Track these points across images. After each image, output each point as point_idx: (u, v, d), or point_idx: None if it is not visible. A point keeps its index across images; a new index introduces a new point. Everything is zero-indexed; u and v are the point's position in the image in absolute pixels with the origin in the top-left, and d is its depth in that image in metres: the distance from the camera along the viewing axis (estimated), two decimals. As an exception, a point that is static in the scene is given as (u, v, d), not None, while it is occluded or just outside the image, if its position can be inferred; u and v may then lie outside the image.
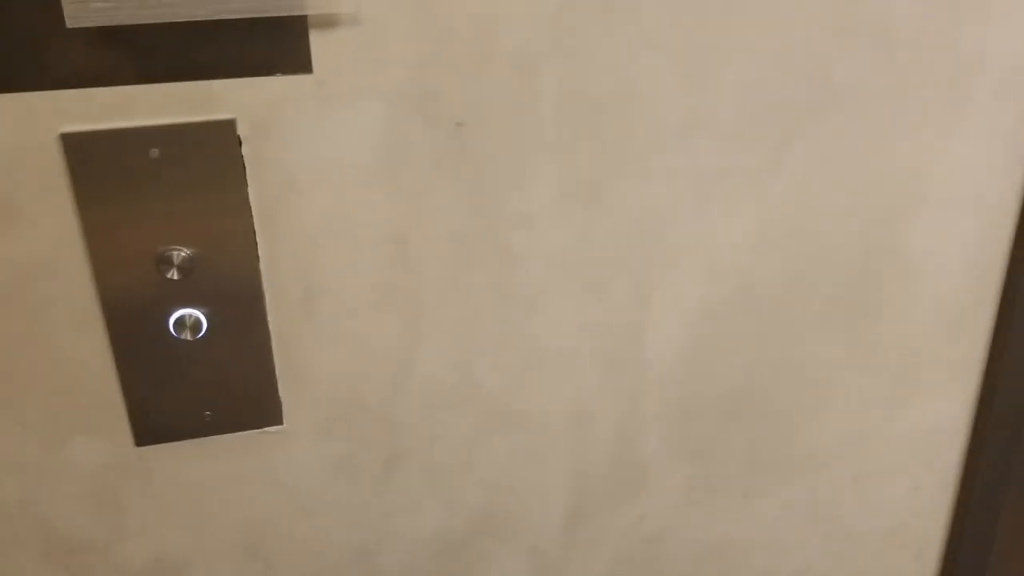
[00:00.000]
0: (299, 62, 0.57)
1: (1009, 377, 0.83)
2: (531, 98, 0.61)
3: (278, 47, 0.56)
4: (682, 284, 0.71)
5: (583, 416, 0.75)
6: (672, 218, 0.68)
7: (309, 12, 0.54)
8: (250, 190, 0.60)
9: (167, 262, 0.60)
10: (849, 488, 0.86)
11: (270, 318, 0.64)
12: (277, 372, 0.66)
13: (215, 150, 0.58)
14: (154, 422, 0.66)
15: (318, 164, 0.60)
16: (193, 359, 0.64)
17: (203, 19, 0.53)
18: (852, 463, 0.84)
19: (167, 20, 0.52)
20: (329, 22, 0.56)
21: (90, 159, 0.56)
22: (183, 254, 0.60)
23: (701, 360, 0.75)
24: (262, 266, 0.62)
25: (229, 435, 0.68)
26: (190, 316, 0.62)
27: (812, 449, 0.82)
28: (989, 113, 0.70)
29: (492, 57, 0.59)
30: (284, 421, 0.68)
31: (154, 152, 0.57)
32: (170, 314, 0.62)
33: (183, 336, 0.63)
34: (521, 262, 0.66)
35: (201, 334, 0.63)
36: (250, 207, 0.60)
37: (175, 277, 0.60)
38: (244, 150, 0.58)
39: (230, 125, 0.58)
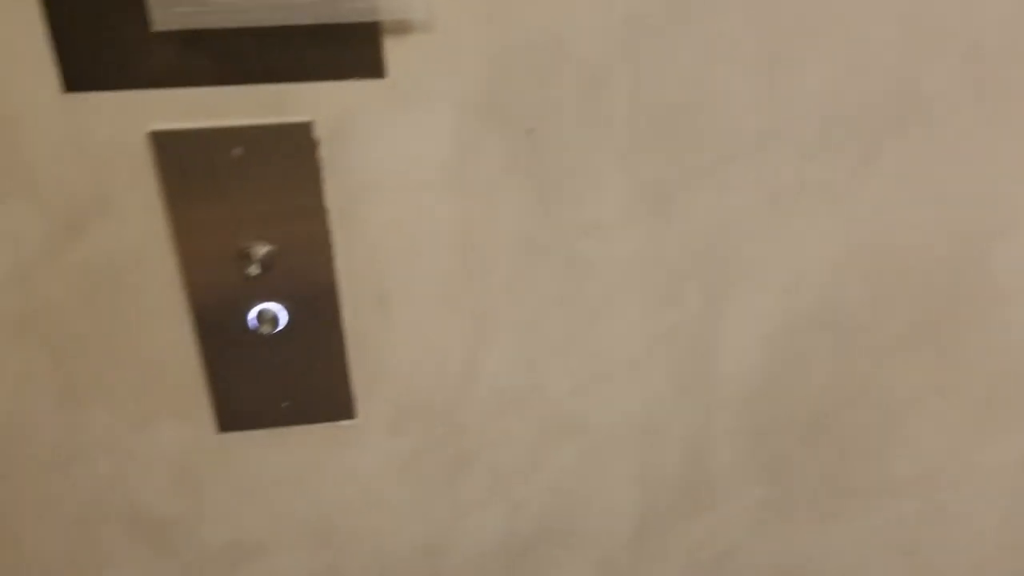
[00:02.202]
0: (372, 67, 0.58)
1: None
2: (601, 106, 0.61)
3: (352, 52, 0.58)
4: (758, 299, 0.69)
5: (652, 427, 0.74)
6: (748, 230, 0.66)
7: (381, 19, 0.56)
8: (327, 191, 0.62)
9: (248, 258, 0.63)
10: (932, 519, 0.82)
11: (345, 315, 0.66)
12: (351, 368, 0.68)
13: (294, 151, 0.60)
14: (235, 410, 0.69)
15: (390, 167, 0.61)
16: (272, 352, 0.67)
17: (279, 25, 0.56)
18: (936, 493, 0.80)
19: (245, 25, 0.55)
20: (402, 28, 0.57)
21: (177, 157, 0.60)
22: (263, 250, 0.63)
23: (777, 378, 0.73)
24: (337, 265, 0.64)
25: (304, 426, 0.70)
26: (269, 311, 0.65)
27: (893, 476, 0.79)
28: (1098, 128, 0.66)
29: (562, 65, 0.59)
30: (356, 416, 0.70)
31: (237, 151, 0.60)
32: (250, 308, 0.65)
33: (262, 330, 0.65)
34: (590, 269, 0.66)
35: (279, 328, 0.66)
36: (326, 207, 0.62)
37: (255, 272, 0.63)
38: (321, 152, 0.61)
39: (307, 127, 0.60)
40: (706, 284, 0.68)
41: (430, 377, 0.69)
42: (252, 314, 0.65)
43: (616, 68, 0.60)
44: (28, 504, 0.70)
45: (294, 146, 0.60)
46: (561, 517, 0.77)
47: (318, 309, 0.66)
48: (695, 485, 0.77)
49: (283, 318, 0.65)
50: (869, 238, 0.68)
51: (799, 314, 0.70)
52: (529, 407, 0.71)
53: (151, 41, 0.56)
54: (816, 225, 0.67)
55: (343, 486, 0.73)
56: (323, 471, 0.73)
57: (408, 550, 0.77)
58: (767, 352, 0.71)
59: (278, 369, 0.68)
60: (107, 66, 0.57)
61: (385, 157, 0.61)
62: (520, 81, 0.60)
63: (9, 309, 0.63)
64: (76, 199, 0.60)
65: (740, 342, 0.71)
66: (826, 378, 0.74)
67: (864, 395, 0.75)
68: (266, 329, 0.65)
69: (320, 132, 0.60)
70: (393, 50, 0.58)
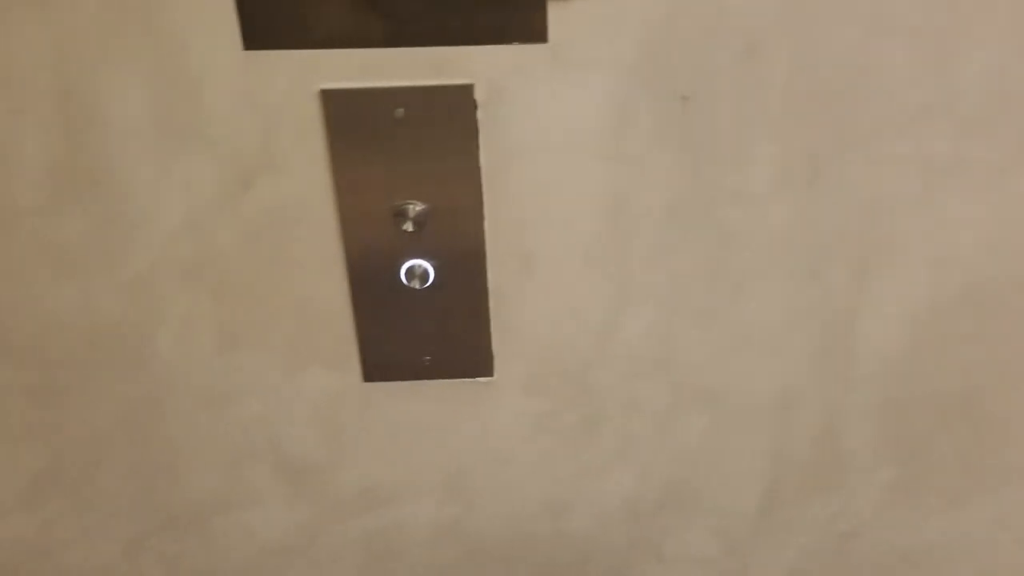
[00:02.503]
0: (535, 31, 0.60)
1: None
2: (758, 74, 0.61)
3: (517, 16, 0.59)
4: (903, 276, 0.69)
5: (787, 402, 0.74)
6: (898, 207, 0.66)
7: (549, -16, 0.57)
8: (481, 152, 0.64)
9: (403, 215, 0.65)
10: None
11: (489, 274, 0.68)
12: (492, 326, 0.70)
13: (453, 113, 0.63)
14: (380, 361, 0.72)
15: (545, 130, 0.63)
16: (418, 307, 0.70)
17: (452, -12, 0.58)
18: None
19: (420, -13, 0.57)
20: (567, -6, 0.59)
21: (343, 115, 0.62)
22: (417, 209, 0.65)
23: (917, 358, 0.72)
24: (486, 225, 0.66)
25: (443, 381, 0.73)
26: (419, 266, 0.68)
27: (1031, 463, 0.77)
28: None
29: (722, 31, 0.60)
30: (494, 373, 0.72)
31: (399, 112, 0.62)
32: (402, 263, 0.68)
33: (412, 284, 0.68)
34: (736, 239, 0.67)
35: (428, 284, 0.68)
36: (480, 168, 0.64)
37: (409, 229, 0.66)
38: (479, 114, 0.62)
39: (468, 90, 0.62)
40: (852, 259, 0.68)
41: (567, 339, 0.71)
42: (403, 269, 0.68)
43: (776, 36, 0.60)
44: (185, 440, 0.75)
45: (454, 108, 0.62)
46: (686, 486, 0.78)
47: (465, 267, 0.68)
48: (825, 463, 0.77)
49: (431, 274, 0.68)
50: (1021, 218, 0.67)
51: (944, 294, 0.69)
52: (663, 374, 0.72)
53: (326, 2, 0.59)
54: (968, 203, 0.66)
55: (475, 441, 0.76)
56: (458, 426, 0.75)
57: (533, 507, 0.79)
58: (909, 330, 0.71)
59: (422, 324, 0.70)
60: (284, 26, 0.60)
61: (540, 121, 0.63)
62: (679, 47, 0.60)
63: (180, 254, 0.67)
64: (247, 153, 0.63)
65: (882, 319, 0.70)
66: (967, 360, 0.72)
67: (1003, 378, 0.73)
68: (415, 284, 0.68)
69: (479, 95, 0.62)
70: (556, 14, 0.59)
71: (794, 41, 0.60)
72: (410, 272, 0.68)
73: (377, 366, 0.72)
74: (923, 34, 0.60)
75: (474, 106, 0.62)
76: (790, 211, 0.66)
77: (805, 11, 0.59)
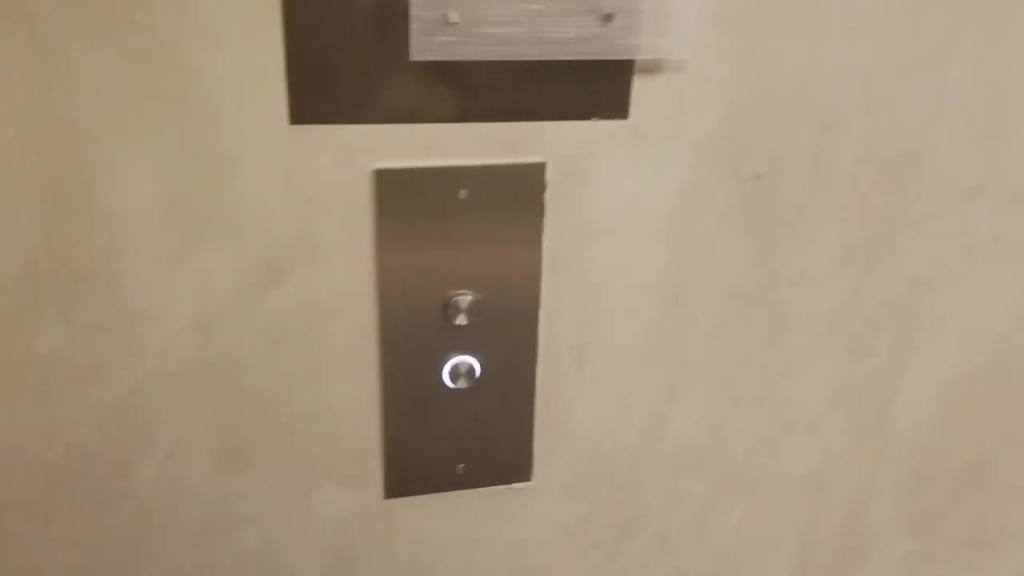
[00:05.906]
0: (617, 107, 0.56)
1: None
2: (831, 153, 0.60)
3: (600, 92, 0.55)
4: (941, 350, 0.69)
5: (820, 483, 0.72)
6: (942, 281, 0.66)
7: (642, 57, 0.54)
8: (544, 236, 0.58)
9: (455, 307, 0.58)
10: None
11: (538, 369, 0.62)
12: (535, 426, 0.64)
13: (520, 193, 0.57)
14: (407, 474, 0.63)
15: (614, 211, 0.58)
16: (458, 409, 0.62)
17: (537, 59, 0.52)
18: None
19: (505, 58, 0.52)
20: (654, 68, 0.55)
21: (399, 197, 0.55)
22: (470, 299, 0.58)
23: (943, 429, 0.73)
24: (541, 314, 0.60)
25: (474, 490, 0.65)
26: (465, 363, 0.60)
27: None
28: None
29: (800, 109, 0.58)
30: (532, 478, 0.66)
31: (462, 193, 0.56)
32: (446, 361, 0.60)
33: (456, 384, 0.60)
34: (791, 320, 0.65)
35: (472, 383, 0.61)
36: (541, 252, 0.59)
37: (463, 323, 0.58)
38: (546, 195, 0.57)
39: (540, 168, 0.56)
40: (896, 335, 0.67)
41: (614, 435, 0.66)
42: (447, 368, 0.60)
43: (851, 115, 0.59)
44: (170, 586, 0.62)
45: (521, 188, 0.57)
46: (719, 581, 0.74)
47: (513, 362, 0.61)
48: (852, 540, 0.75)
49: (477, 372, 0.61)
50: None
51: (974, 365, 0.70)
52: (707, 465, 0.68)
53: (390, 74, 0.52)
54: (1002, 275, 0.68)
55: (504, 554, 0.68)
56: (485, 539, 0.67)
57: (559, 622, 0.72)
58: (939, 403, 0.71)
59: (461, 428, 0.63)
60: (340, 99, 0.52)
61: (609, 201, 0.58)
62: (757, 125, 0.58)
63: (181, 365, 0.56)
64: (280, 241, 0.54)
65: (917, 394, 0.70)
66: (984, 430, 0.74)
67: (1013, 445, 0.75)
68: (460, 384, 0.60)
69: (550, 174, 0.57)
70: (639, 91, 0.56)
71: (868, 119, 0.59)
72: (455, 370, 0.60)
73: (402, 480, 0.63)
74: (980, 114, 0.61)
75: (543, 186, 0.57)
76: (846, 289, 0.65)
77: (881, 89, 0.59)
